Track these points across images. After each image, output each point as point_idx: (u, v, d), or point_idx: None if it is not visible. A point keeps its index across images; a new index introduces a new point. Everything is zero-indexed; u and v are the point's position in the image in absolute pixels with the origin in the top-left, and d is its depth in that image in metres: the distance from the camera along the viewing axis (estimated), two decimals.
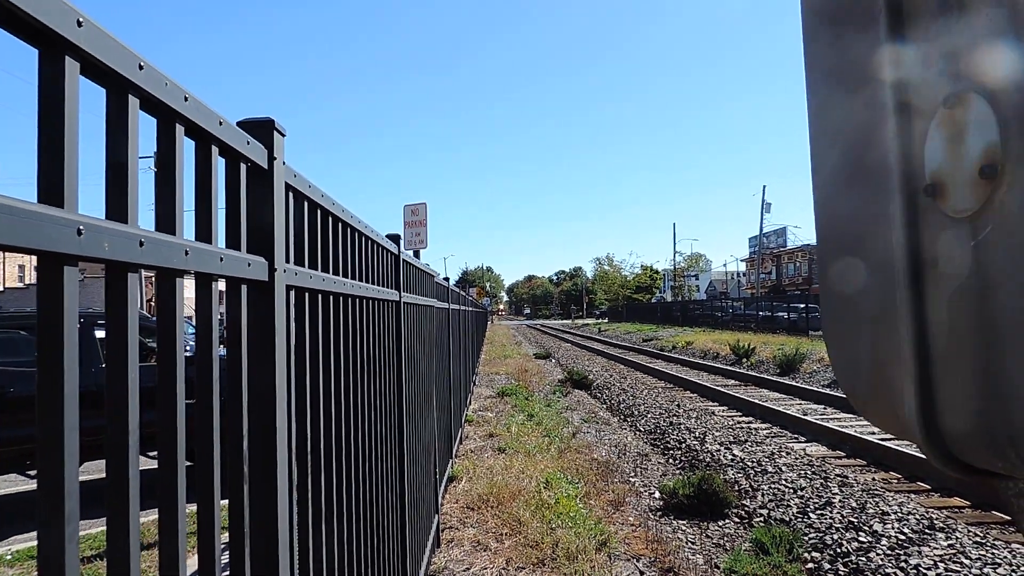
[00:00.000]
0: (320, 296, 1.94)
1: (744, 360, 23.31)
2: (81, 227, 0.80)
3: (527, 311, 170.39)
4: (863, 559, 5.06)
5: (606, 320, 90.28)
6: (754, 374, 18.66)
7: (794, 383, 16.45)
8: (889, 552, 5.13)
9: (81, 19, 0.80)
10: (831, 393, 14.17)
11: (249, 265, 1.35)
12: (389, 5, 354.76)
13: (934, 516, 5.81)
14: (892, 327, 0.66)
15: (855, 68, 0.70)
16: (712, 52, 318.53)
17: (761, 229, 67.63)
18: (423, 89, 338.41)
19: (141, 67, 0.93)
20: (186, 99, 1.07)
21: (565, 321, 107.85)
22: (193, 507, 1.22)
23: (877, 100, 0.67)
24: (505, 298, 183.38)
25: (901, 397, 0.65)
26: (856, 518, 5.87)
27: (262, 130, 1.44)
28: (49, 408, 0.78)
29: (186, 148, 1.13)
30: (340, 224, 2.22)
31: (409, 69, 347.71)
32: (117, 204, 0.93)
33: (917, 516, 5.81)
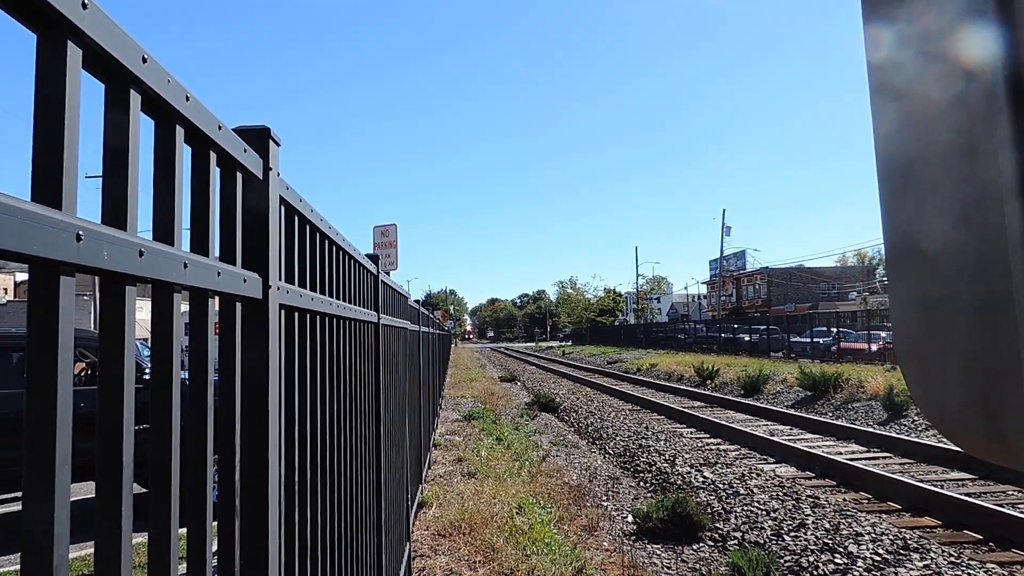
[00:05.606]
0: (308, 316, 1.84)
1: (708, 382, 23.49)
2: (80, 232, 0.71)
3: (491, 334, 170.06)
4: None
5: (570, 343, 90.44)
6: (719, 395, 18.79)
7: (759, 404, 16.63)
8: (865, 574, 5.13)
9: (86, 0, 0.71)
10: (796, 414, 14.33)
11: (245, 281, 1.25)
12: (330, 25, 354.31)
13: (907, 536, 5.83)
14: (1000, 343, 0.60)
15: (955, 45, 0.64)
16: (682, 91, 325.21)
17: (721, 252, 68.74)
18: (399, 126, 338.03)
19: (145, 60, 0.84)
20: (187, 99, 0.98)
21: (529, 344, 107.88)
22: (183, 531, 1.11)
23: (984, 84, 0.61)
24: (469, 321, 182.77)
25: (1016, 422, 0.60)
26: (830, 539, 5.87)
27: (258, 138, 1.36)
28: (41, 431, 0.68)
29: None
30: (327, 241, 2.13)
31: (384, 110, 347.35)
32: (115, 208, 0.83)
33: (891, 536, 5.82)
